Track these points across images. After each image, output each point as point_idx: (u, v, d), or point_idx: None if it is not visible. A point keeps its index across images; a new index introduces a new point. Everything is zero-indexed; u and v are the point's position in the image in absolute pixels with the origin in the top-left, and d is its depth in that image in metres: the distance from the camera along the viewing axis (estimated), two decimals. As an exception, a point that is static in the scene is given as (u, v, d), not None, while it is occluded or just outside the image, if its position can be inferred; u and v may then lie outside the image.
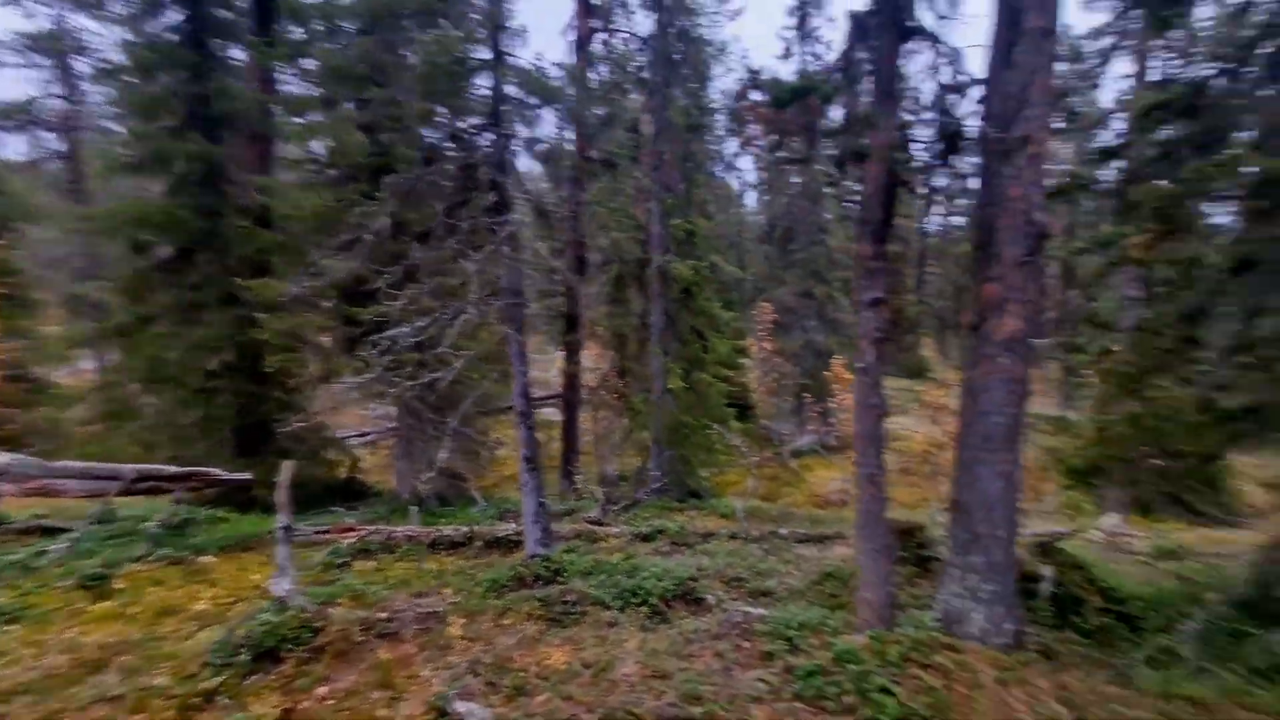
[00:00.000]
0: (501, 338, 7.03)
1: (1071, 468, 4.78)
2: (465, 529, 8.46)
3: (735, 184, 32.87)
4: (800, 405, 21.92)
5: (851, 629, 4.96)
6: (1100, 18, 11.53)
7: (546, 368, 21.18)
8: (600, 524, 9.25)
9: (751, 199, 35.08)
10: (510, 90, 6.40)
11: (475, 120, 7.12)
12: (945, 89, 4.37)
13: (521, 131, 6.57)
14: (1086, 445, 5.02)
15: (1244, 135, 4.00)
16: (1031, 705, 4.06)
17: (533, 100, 6.47)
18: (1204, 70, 4.69)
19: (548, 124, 12.51)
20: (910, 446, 20.68)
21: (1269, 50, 4.37)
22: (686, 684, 4.33)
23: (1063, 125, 4.70)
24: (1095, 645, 5.32)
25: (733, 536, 8.78)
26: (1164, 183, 4.13)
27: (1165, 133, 4.53)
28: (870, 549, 4.63)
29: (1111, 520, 11.25)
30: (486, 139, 6.33)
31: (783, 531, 8.88)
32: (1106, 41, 10.23)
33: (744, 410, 20.87)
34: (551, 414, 19.48)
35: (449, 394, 8.53)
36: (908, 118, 4.30)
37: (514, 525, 8.35)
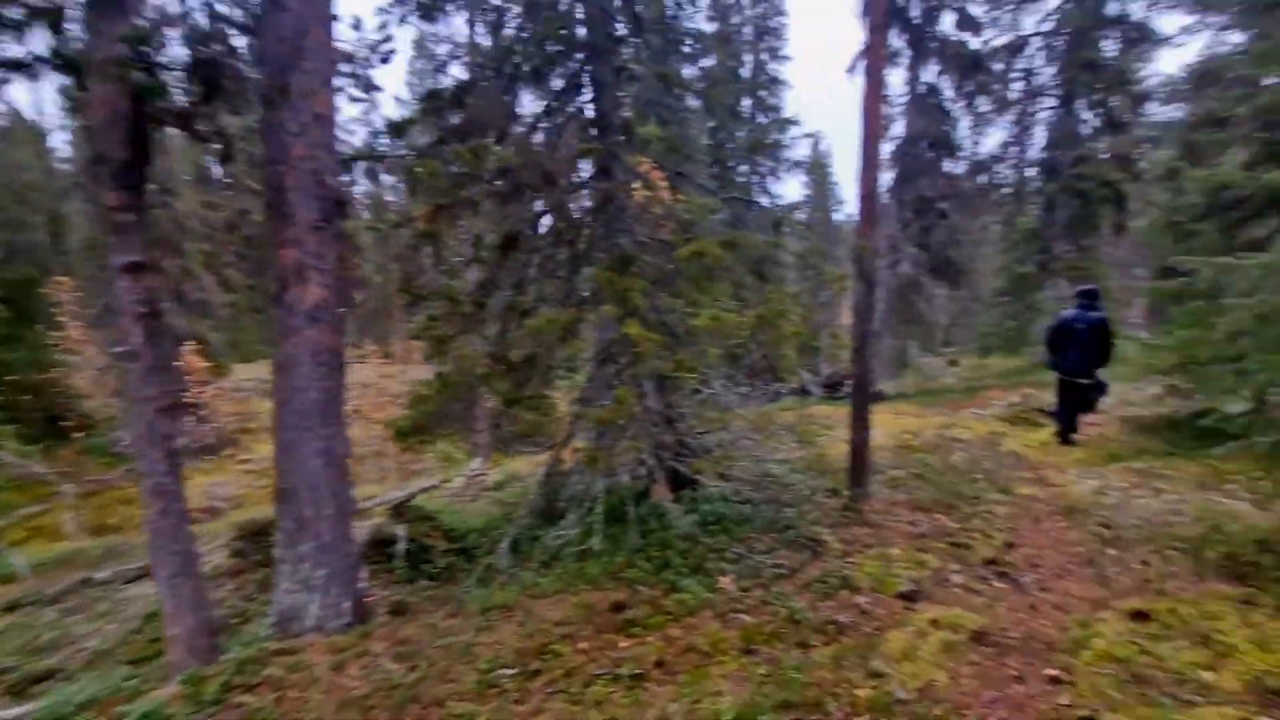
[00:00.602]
0: None
1: (399, 430, 5.03)
2: None
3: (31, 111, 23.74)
4: (160, 405, 17.82)
5: (167, 678, 3.99)
6: None
7: None
8: None
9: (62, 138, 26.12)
10: None
11: None
12: (211, 16, 3.68)
13: None
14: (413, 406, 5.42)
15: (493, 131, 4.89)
16: (368, 675, 4.04)
17: None
18: (472, 71, 5.47)
19: None
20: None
21: (511, 65, 5.40)
22: None
23: (360, 93, 4.82)
24: (443, 585, 5.88)
25: (12, 607, 6.17)
26: (442, 163, 4.63)
27: (447, 119, 5.11)
28: (168, 575, 3.73)
29: (476, 464, 13.20)
30: None
31: (103, 574, 6.77)
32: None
33: (59, 423, 15.53)
34: None
35: None
36: (158, 36, 3.42)
37: None
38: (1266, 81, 9.25)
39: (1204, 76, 14.81)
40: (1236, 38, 15.98)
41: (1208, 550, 4.57)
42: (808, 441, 7.22)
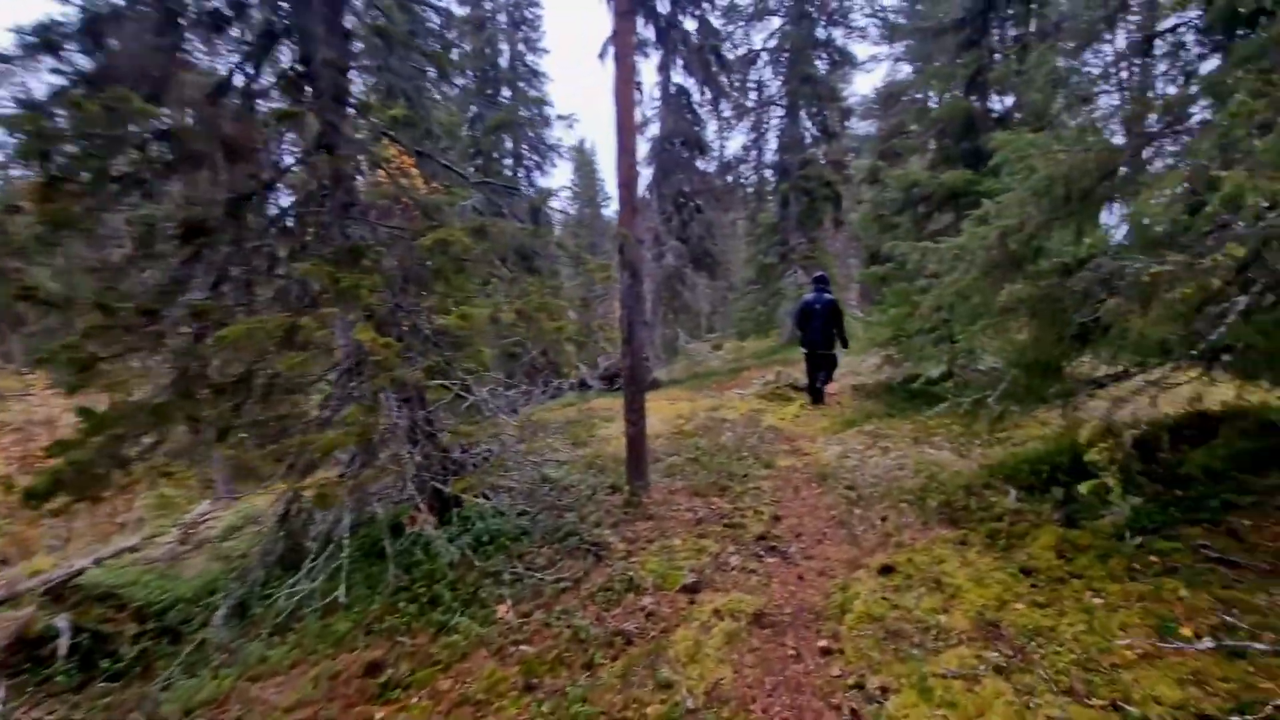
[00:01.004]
0: None
1: (31, 492, 3.61)
2: None
3: None
4: None
5: None
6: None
7: None
8: None
9: None
10: None
11: None
12: None
13: None
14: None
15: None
16: None
17: None
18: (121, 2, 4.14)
19: None
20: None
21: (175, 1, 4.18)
22: None
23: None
24: (131, 684, 4.47)
25: None
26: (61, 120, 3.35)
27: (71, 63, 3.76)
28: None
29: (203, 507, 10.80)
30: None
31: None
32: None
33: None
34: None
35: None
36: None
37: None
38: (934, 101, 11.23)
39: (889, 98, 17.71)
40: (907, 67, 19.34)
41: (929, 499, 5.20)
42: (582, 440, 6.96)
